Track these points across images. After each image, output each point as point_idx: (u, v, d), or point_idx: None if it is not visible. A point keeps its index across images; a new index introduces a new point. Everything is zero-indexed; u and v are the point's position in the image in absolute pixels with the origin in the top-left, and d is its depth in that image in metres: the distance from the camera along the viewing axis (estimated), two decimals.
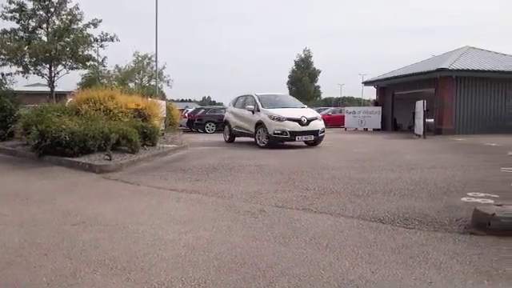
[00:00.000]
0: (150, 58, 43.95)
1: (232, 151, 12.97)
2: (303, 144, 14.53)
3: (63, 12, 24.76)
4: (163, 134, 16.04)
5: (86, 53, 25.65)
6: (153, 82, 41.87)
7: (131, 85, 41.55)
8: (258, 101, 14.81)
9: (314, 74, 65.55)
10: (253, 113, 14.70)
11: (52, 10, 24.42)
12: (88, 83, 29.48)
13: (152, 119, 14.06)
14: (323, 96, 78.81)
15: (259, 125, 14.25)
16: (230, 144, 15.94)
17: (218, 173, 8.61)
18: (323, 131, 14.43)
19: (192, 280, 3.28)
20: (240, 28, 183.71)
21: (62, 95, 21.86)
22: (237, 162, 10.04)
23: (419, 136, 19.71)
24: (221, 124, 26.65)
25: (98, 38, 25.56)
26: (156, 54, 26.72)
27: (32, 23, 24.50)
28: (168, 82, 46.67)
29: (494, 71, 22.52)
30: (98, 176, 8.40)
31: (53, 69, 25.29)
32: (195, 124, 26.74)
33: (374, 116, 27.31)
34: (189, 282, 3.24)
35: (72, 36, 24.68)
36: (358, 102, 75.19)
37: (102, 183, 7.80)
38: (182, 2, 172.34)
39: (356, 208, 5.53)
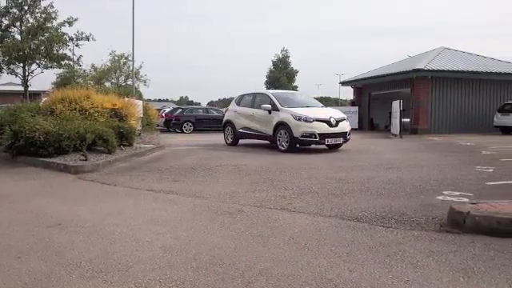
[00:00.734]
0: (126, 58, 43.64)
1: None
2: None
3: (37, 10, 24.38)
4: (140, 134, 15.93)
5: (60, 52, 25.36)
6: (129, 82, 41.54)
7: (107, 84, 41.17)
8: (275, 99, 13.61)
9: (291, 74, 65.64)
10: (269, 112, 13.41)
11: (26, 7, 24.00)
12: (63, 82, 29.09)
13: (129, 119, 13.92)
14: None
15: (280, 126, 12.97)
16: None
17: (197, 173, 8.57)
18: (350, 133, 13.46)
19: (170, 281, 3.25)
20: (217, 29, 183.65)
21: (37, 95, 21.54)
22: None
23: (396, 136, 19.98)
24: (198, 123, 26.74)
25: (74, 36, 25.28)
26: (133, 53, 26.68)
27: (5, 21, 24.06)
28: (145, 82, 46.52)
29: (468, 71, 23.00)
30: (74, 177, 8.26)
31: (27, 68, 24.87)
32: (172, 124, 26.66)
33: (351, 116, 27.51)
34: (167, 283, 3.21)
35: (46, 34, 24.34)
36: (336, 102, 75.75)
37: (77, 184, 7.67)
38: (161, 2, 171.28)
39: (334, 207, 5.56)
